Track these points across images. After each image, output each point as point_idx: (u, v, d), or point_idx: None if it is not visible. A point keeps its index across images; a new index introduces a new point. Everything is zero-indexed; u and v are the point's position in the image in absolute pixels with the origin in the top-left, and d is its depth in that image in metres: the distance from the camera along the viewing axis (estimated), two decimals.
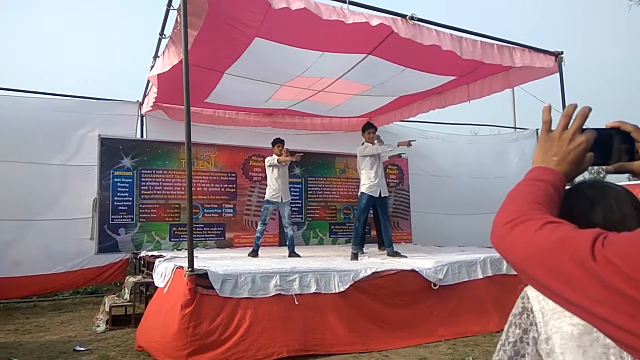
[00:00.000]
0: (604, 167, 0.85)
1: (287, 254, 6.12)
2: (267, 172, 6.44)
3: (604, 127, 0.85)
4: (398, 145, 6.17)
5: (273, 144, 6.43)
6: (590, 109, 0.82)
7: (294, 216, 8.45)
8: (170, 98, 7.18)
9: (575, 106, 0.83)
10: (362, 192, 6.14)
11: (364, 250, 6.63)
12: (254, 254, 6.13)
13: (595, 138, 0.82)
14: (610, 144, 0.83)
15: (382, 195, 6.12)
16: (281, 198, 6.32)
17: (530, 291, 0.96)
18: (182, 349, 3.74)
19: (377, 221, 7.19)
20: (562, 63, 5.88)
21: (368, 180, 6.08)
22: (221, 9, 4.44)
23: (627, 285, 0.54)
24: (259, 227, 6.41)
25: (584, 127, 0.83)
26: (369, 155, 6.10)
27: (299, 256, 5.97)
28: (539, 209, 0.73)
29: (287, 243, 6.31)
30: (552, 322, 0.90)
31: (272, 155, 6.41)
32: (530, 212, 0.72)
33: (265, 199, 6.44)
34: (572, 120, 0.82)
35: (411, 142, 6.22)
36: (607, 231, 0.61)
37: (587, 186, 0.92)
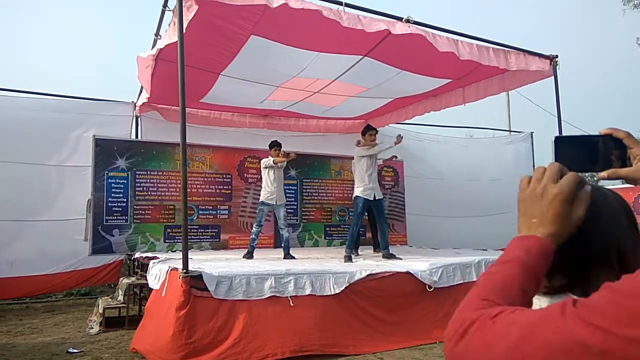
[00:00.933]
0: (596, 173, 0.86)
1: (282, 256, 6.12)
2: (262, 173, 6.44)
3: (597, 133, 0.86)
4: (395, 143, 6.19)
5: (270, 146, 6.42)
6: (561, 165, 0.73)
7: (289, 218, 8.44)
8: (166, 99, 7.17)
9: (545, 169, 0.74)
10: (356, 196, 6.13)
11: (359, 253, 6.64)
12: (249, 255, 6.12)
13: (587, 145, 0.83)
14: (603, 151, 0.84)
15: (377, 198, 6.11)
16: (276, 200, 6.32)
17: None
18: (177, 351, 3.72)
19: (372, 223, 7.20)
20: (557, 67, 5.91)
21: (362, 184, 6.08)
22: (218, 7, 4.44)
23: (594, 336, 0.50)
24: (254, 228, 6.40)
25: (575, 134, 0.83)
26: (367, 156, 6.09)
27: (294, 258, 5.97)
28: (483, 306, 0.62)
29: (283, 245, 6.30)
30: None
31: (267, 157, 6.40)
32: (473, 312, 0.62)
33: (260, 200, 6.44)
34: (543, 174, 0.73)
35: (399, 137, 6.16)
36: (575, 298, 0.56)
37: None
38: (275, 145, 6.39)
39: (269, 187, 6.32)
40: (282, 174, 6.50)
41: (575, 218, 0.71)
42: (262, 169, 6.43)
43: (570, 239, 0.90)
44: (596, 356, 0.50)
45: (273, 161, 6.27)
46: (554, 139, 0.88)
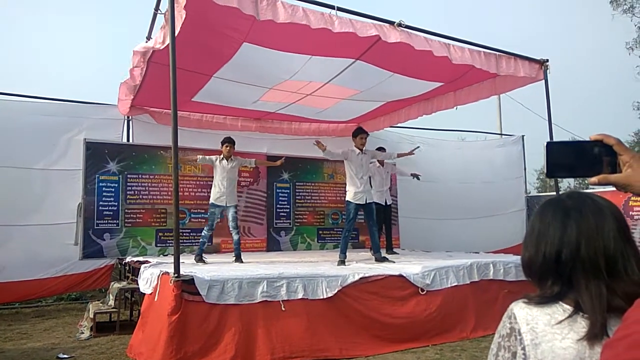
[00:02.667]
0: (587, 179, 0.86)
1: (233, 259, 5.99)
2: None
3: (587, 139, 0.86)
4: (398, 156, 6.34)
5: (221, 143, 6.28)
6: None
7: (281, 221, 8.43)
8: (157, 101, 7.13)
9: None
10: (348, 201, 6.11)
11: (388, 257, 6.17)
12: (199, 258, 5.95)
13: (578, 150, 0.83)
14: (593, 157, 0.84)
15: (368, 202, 6.10)
16: (226, 202, 6.16)
17: (518, 310, 0.93)
18: (168, 357, 3.69)
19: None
20: (547, 71, 5.97)
21: (353, 187, 6.06)
22: (209, 16, 4.43)
23: None
24: (204, 232, 6.22)
25: (566, 139, 0.83)
26: (344, 160, 6.13)
27: (242, 262, 5.82)
28: None
29: (233, 247, 6.15)
30: (543, 345, 0.87)
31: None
32: None
33: (210, 201, 6.29)
34: None
35: (413, 152, 6.39)
36: None
37: (565, 197, 0.93)
38: (224, 141, 6.24)
39: (218, 188, 6.18)
40: (234, 175, 6.34)
41: None
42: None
43: (557, 245, 0.90)
44: None
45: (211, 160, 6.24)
46: (545, 144, 0.88)
